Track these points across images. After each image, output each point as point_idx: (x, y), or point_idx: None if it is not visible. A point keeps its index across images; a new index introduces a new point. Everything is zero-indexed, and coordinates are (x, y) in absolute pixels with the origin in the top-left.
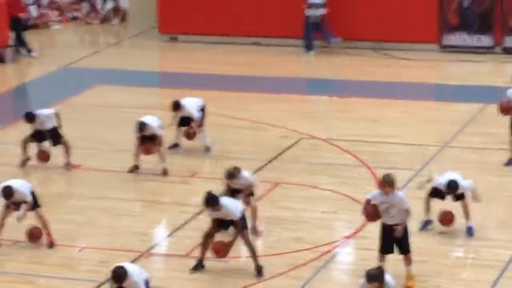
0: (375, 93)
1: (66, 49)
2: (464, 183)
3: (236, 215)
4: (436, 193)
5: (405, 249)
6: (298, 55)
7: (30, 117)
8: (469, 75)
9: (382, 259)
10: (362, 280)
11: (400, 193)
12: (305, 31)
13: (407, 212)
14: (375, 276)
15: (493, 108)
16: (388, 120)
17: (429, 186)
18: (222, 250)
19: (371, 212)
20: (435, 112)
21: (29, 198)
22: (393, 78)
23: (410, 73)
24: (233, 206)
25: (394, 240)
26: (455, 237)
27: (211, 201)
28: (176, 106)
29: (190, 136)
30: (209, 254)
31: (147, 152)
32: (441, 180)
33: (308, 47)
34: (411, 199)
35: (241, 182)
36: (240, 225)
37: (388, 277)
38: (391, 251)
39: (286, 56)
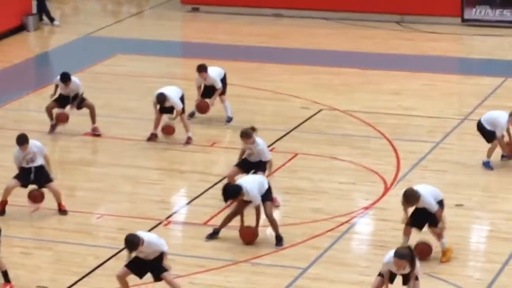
0: (397, 66)
1: (88, 18)
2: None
3: (258, 201)
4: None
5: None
6: (319, 26)
7: (66, 78)
8: (491, 49)
9: (407, 232)
10: (388, 255)
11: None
12: None
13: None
14: (406, 255)
15: None
16: (410, 93)
17: None
18: (253, 236)
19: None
20: (456, 85)
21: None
22: (416, 51)
23: (432, 47)
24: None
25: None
26: (472, 209)
27: (232, 193)
28: (201, 69)
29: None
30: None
31: (167, 133)
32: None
33: None
34: (439, 162)
35: (255, 148)
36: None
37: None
38: (420, 225)
39: (308, 27)
